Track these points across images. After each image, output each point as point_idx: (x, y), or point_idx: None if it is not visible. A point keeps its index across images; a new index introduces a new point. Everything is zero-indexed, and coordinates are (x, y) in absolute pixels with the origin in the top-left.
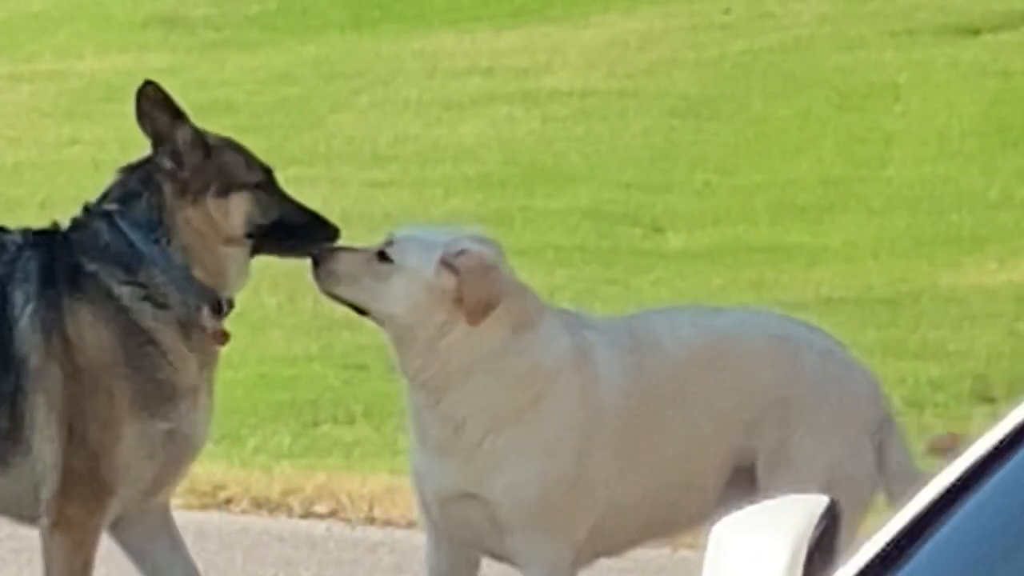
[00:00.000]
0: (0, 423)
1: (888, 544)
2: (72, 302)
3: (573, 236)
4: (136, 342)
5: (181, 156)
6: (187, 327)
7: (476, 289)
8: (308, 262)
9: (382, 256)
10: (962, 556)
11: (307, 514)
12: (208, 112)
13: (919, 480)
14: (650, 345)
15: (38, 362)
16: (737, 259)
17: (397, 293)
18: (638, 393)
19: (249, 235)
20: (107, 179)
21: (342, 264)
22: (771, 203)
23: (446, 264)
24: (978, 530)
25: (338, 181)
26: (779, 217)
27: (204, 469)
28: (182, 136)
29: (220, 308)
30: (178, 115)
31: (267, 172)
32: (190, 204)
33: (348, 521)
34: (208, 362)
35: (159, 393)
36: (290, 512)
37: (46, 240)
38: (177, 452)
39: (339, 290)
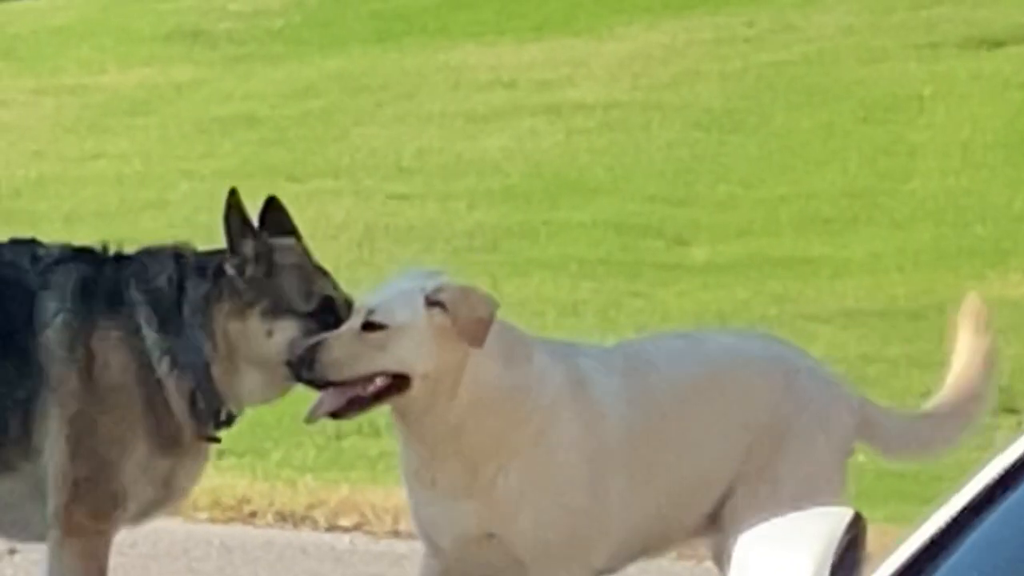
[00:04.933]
0: (12, 428)
1: (911, 558)
2: (105, 320)
3: (597, 249)
4: (150, 383)
5: (244, 267)
6: (194, 397)
7: (467, 311)
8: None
9: (368, 327)
10: (989, 570)
11: (332, 527)
12: (232, 125)
13: (916, 426)
14: (646, 370)
15: (59, 371)
16: (761, 272)
17: (403, 352)
18: (640, 417)
19: (289, 363)
20: (131, 192)
21: (336, 350)
22: (795, 216)
23: (432, 304)
24: (1003, 542)
25: (362, 194)
26: (803, 230)
27: (229, 483)
28: (248, 249)
29: (218, 414)
30: (247, 225)
31: (327, 300)
32: (235, 316)
33: (373, 534)
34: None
35: (163, 431)
36: (315, 525)
37: (88, 256)
38: (170, 491)
39: (343, 374)
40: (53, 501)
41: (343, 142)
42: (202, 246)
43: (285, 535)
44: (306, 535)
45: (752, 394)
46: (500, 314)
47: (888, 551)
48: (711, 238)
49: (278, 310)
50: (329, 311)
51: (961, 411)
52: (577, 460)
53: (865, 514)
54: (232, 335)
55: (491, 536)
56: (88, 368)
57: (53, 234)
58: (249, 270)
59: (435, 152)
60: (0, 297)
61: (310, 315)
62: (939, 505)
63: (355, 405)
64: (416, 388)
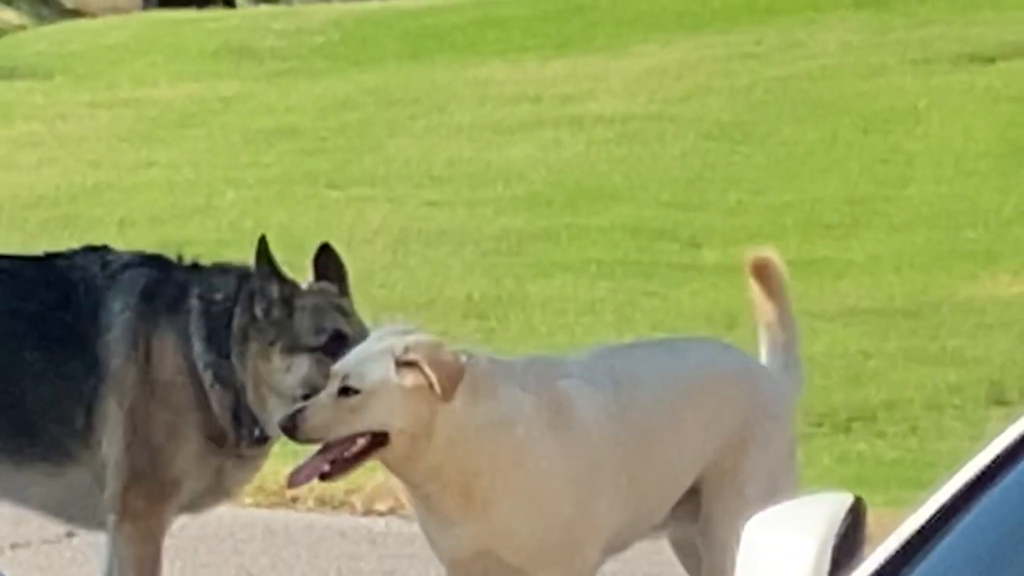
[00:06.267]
0: (76, 420)
1: (908, 539)
2: (164, 322)
3: (615, 251)
4: (200, 385)
5: (270, 309)
6: (236, 413)
7: (439, 368)
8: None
9: (344, 391)
10: (980, 551)
11: (368, 511)
12: (275, 136)
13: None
14: (629, 384)
15: (119, 367)
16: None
17: (378, 413)
18: (625, 430)
19: (306, 396)
20: (181, 198)
21: (316, 416)
22: (800, 220)
23: (401, 364)
24: (992, 524)
25: (396, 200)
26: (807, 233)
27: (272, 470)
28: (273, 292)
29: (251, 433)
30: (274, 270)
31: (337, 335)
32: (261, 354)
33: (406, 518)
34: (255, 458)
35: (211, 431)
36: (352, 510)
37: (156, 262)
38: (220, 487)
39: (325, 437)
40: (111, 487)
41: (379, 152)
42: (247, 249)
43: (325, 519)
44: (344, 519)
45: (725, 402)
46: (522, 315)
47: (887, 533)
48: (722, 241)
49: (295, 348)
50: (340, 346)
51: (792, 341)
52: (562, 477)
53: (865, 499)
54: (259, 370)
55: (489, 553)
56: (146, 366)
57: (108, 238)
58: (274, 312)
59: (464, 161)
60: (69, 299)
61: (321, 349)
62: (934, 490)
63: (339, 467)
64: (394, 442)
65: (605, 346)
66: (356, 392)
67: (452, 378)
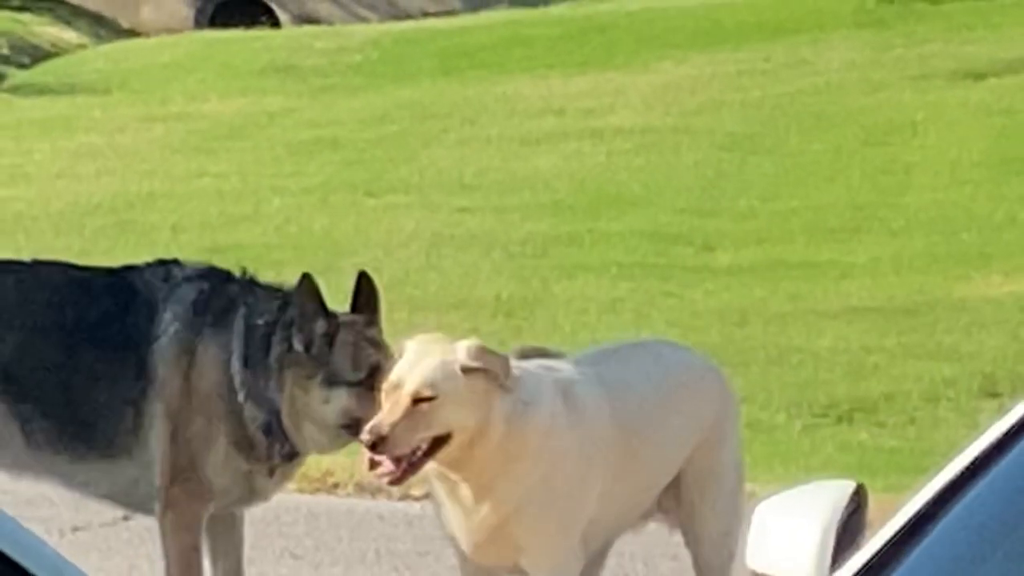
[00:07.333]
0: (126, 420)
1: (907, 523)
2: (209, 336)
3: (634, 254)
4: (234, 398)
5: (312, 344)
6: (268, 428)
7: (498, 365)
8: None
9: (417, 400)
10: (974, 533)
11: (404, 496)
12: (317, 148)
13: None
14: (620, 385)
15: (165, 373)
16: (776, 274)
17: (449, 416)
18: (619, 427)
19: (346, 426)
20: (230, 206)
21: (397, 429)
22: (806, 225)
23: (467, 371)
24: (990, 508)
25: (429, 207)
26: (812, 237)
27: (315, 459)
28: (317, 328)
29: (281, 447)
30: (321, 308)
31: (374, 369)
32: (300, 385)
33: None
34: (285, 470)
35: (241, 440)
36: (389, 495)
37: (214, 276)
38: (253, 490)
39: (405, 447)
40: (157, 481)
41: (413, 162)
42: (291, 253)
43: (364, 504)
44: (382, 504)
45: (701, 399)
46: (547, 314)
47: (887, 517)
48: (733, 245)
49: (334, 381)
50: (377, 377)
51: None
52: (572, 465)
53: (866, 485)
54: (297, 399)
55: (500, 533)
56: (188, 375)
57: (161, 243)
58: (314, 348)
59: (493, 171)
60: (128, 310)
61: (360, 383)
62: (931, 477)
63: (410, 470)
64: (455, 440)
65: (590, 351)
66: (429, 399)
67: (508, 373)
